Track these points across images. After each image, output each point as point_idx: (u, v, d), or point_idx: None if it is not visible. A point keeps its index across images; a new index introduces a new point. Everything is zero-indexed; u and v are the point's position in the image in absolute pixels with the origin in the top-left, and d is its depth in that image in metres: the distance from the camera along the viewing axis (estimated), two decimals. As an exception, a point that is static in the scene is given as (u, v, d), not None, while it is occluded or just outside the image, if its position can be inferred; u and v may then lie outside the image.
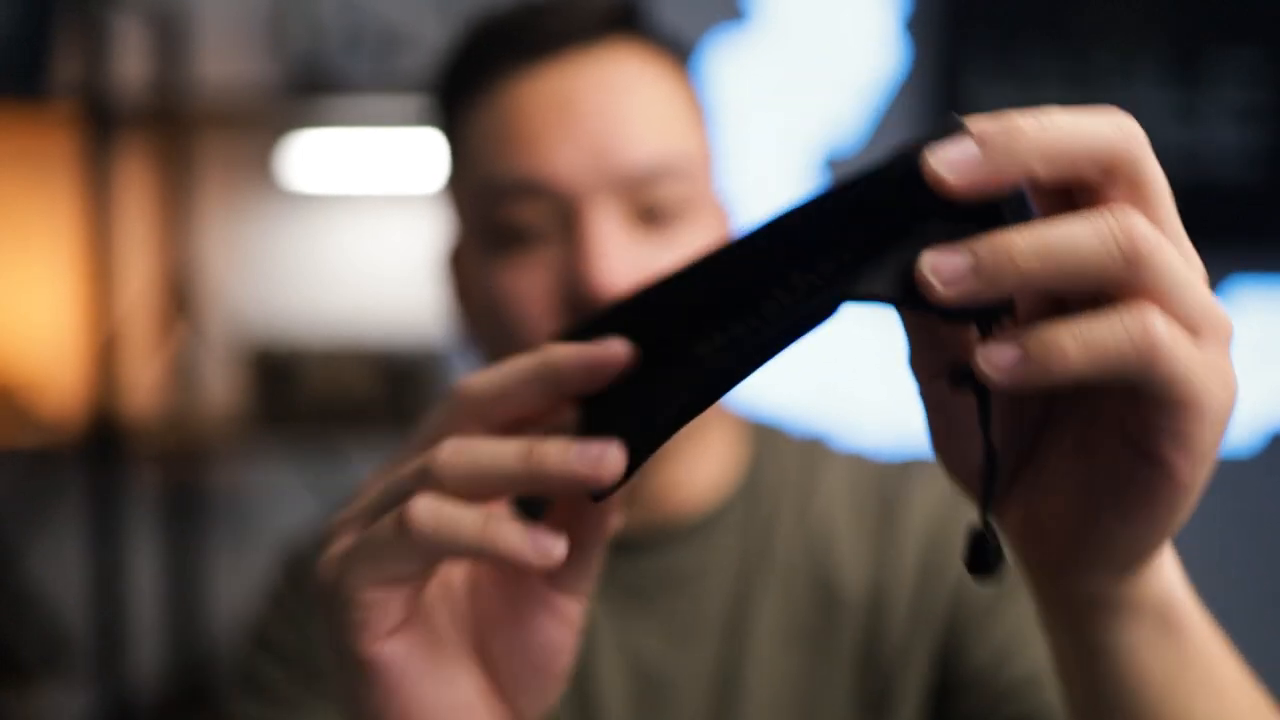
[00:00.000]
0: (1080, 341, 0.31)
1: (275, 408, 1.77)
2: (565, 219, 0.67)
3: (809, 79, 1.92)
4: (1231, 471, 1.96)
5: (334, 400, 1.77)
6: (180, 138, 1.88)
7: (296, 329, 1.87)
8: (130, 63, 1.80)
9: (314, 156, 1.84)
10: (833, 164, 1.90)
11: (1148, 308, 0.31)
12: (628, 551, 0.71)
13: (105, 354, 1.73)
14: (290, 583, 0.76)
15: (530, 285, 0.67)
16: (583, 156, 0.66)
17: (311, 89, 1.72)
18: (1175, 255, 0.32)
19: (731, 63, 1.90)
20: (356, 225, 1.93)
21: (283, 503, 1.88)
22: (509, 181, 0.67)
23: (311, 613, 0.73)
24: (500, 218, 0.68)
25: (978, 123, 0.32)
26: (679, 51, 0.74)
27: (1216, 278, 1.96)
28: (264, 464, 1.88)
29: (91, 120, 1.69)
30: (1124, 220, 0.31)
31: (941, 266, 0.31)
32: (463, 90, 0.72)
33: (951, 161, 0.31)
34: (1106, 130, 0.32)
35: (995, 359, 0.32)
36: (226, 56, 1.85)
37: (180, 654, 1.90)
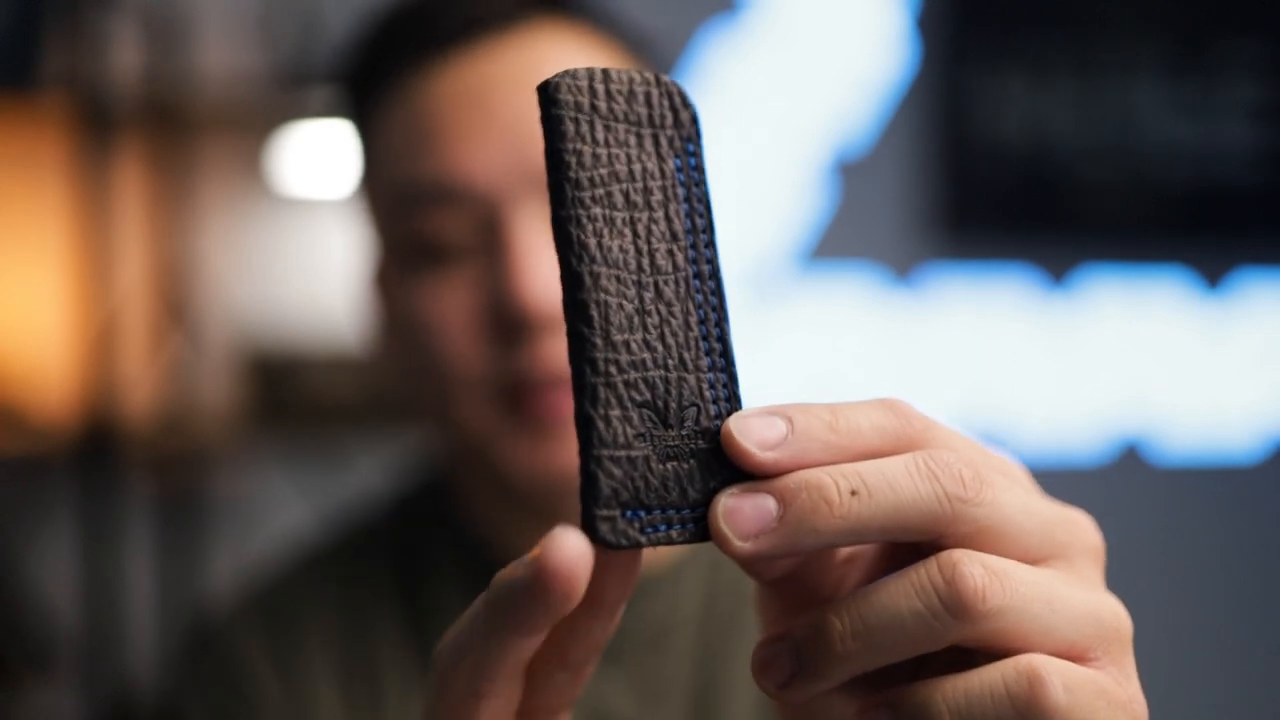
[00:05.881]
0: (955, 711, 0.27)
1: (273, 411, 1.76)
2: (487, 228, 0.61)
3: (812, 75, 1.91)
4: (1234, 480, 1.95)
5: (332, 404, 1.76)
6: (176, 134, 1.86)
7: (294, 332, 1.86)
8: (124, 56, 1.77)
9: (312, 153, 1.83)
10: (842, 166, 1.88)
11: (1029, 660, 0.27)
12: None
13: (99, 356, 1.71)
14: (212, 662, 0.68)
15: (451, 306, 0.61)
16: (503, 156, 0.60)
17: (308, 81, 1.69)
18: (1024, 581, 0.28)
19: (729, 57, 1.88)
20: (355, 227, 1.92)
21: (279, 507, 1.87)
22: (423, 186, 0.61)
23: (234, 692, 0.66)
24: (416, 229, 0.62)
25: (773, 426, 0.28)
26: (615, 31, 0.66)
27: (1222, 276, 1.96)
28: (261, 468, 1.86)
29: (85, 115, 1.67)
30: (948, 571, 0.27)
31: (766, 672, 0.29)
32: (372, 84, 0.66)
33: (744, 521, 0.27)
34: (925, 496, 0.28)
35: None
36: (222, 49, 1.84)
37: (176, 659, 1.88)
